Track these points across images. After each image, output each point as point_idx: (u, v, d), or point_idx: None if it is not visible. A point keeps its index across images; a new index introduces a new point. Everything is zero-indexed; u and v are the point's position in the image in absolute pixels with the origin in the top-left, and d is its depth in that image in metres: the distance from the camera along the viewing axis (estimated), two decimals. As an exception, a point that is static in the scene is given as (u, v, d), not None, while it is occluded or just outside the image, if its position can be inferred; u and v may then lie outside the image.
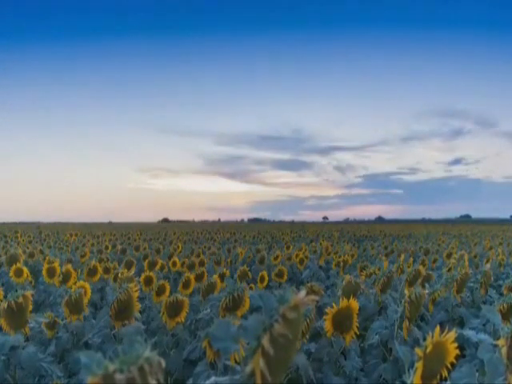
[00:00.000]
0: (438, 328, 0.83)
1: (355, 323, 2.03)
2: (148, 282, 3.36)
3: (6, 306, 1.91)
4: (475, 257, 6.85)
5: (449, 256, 6.43)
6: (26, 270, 3.77)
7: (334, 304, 1.98)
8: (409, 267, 4.35)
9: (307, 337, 1.97)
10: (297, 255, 6.23)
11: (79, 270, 4.20)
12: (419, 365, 0.79)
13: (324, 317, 2.00)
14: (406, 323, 2.08)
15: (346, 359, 2.18)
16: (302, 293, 0.50)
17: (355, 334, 2.05)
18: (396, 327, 2.21)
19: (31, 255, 6.01)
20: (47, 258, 4.40)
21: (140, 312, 2.50)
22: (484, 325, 2.53)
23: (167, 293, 3.04)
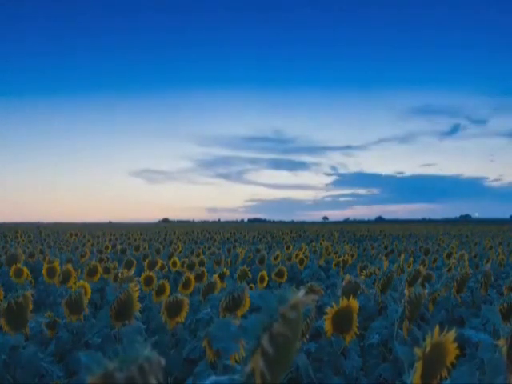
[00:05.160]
0: (437, 328, 0.83)
1: (355, 323, 2.02)
2: (148, 281, 3.36)
3: (6, 306, 1.91)
4: (475, 257, 6.86)
5: (449, 256, 6.43)
6: (26, 269, 3.77)
7: (333, 304, 1.97)
8: (409, 267, 4.35)
9: (307, 337, 1.97)
10: (297, 255, 6.23)
11: (79, 270, 4.20)
12: (419, 365, 0.79)
13: (324, 317, 2.00)
14: (405, 323, 2.08)
15: (345, 359, 2.18)
16: (302, 292, 0.50)
17: (355, 333, 2.05)
18: (396, 327, 2.21)
19: (31, 255, 6.01)
20: (47, 258, 4.40)
21: (140, 312, 2.50)
22: (484, 325, 2.53)
23: (167, 293, 3.04)
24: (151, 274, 3.43)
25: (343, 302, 1.96)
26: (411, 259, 5.45)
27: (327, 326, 1.98)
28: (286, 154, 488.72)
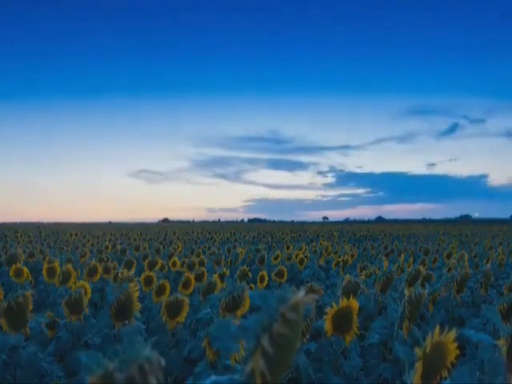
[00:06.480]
0: (437, 328, 0.83)
1: (355, 323, 2.02)
2: (148, 281, 3.36)
3: (5, 306, 1.91)
4: (475, 257, 6.85)
5: (449, 256, 6.43)
6: (26, 269, 3.77)
7: (333, 304, 1.97)
8: (409, 267, 4.35)
9: (307, 337, 1.97)
10: (297, 255, 6.23)
11: (79, 270, 4.20)
12: (419, 365, 0.79)
13: (324, 317, 2.00)
14: (405, 323, 2.08)
15: (346, 359, 2.18)
16: (302, 292, 0.50)
17: (355, 333, 2.05)
18: (396, 327, 2.21)
19: (31, 255, 6.01)
20: (47, 257, 4.40)
21: (140, 312, 2.50)
22: (484, 325, 2.53)
23: (167, 293, 3.04)
24: (151, 273, 3.43)
25: (343, 302, 1.96)
26: (411, 259, 5.45)
27: (327, 325, 1.98)
28: (284, 154, 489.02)
